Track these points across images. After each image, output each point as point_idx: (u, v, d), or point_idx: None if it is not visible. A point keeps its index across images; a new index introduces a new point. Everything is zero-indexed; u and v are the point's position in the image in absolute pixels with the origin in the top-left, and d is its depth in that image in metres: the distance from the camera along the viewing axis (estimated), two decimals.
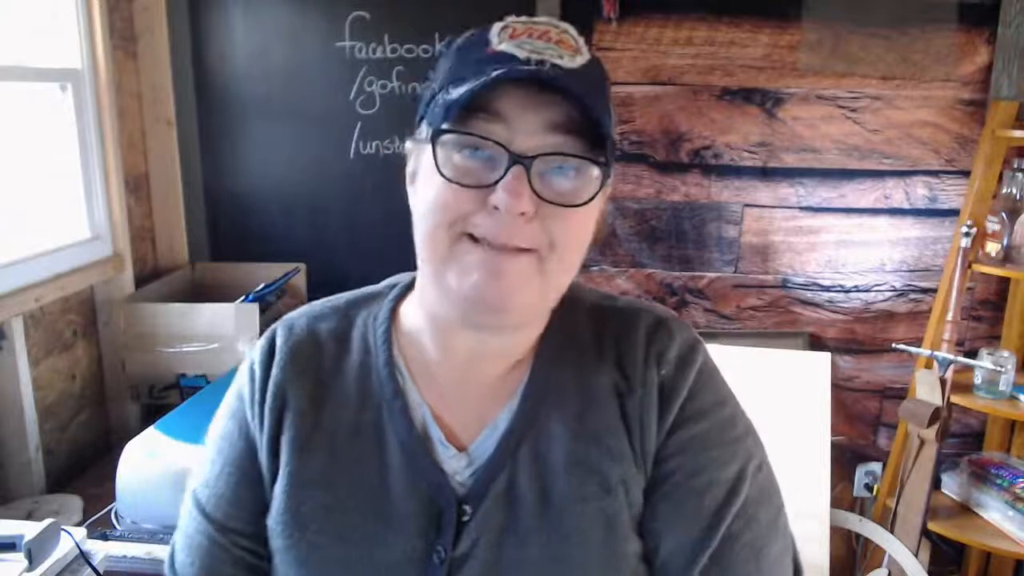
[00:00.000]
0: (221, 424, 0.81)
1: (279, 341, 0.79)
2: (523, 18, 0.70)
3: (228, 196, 2.36)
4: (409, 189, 0.74)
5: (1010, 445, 2.34)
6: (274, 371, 0.77)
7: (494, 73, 0.63)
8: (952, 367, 2.07)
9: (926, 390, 2.09)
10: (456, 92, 0.65)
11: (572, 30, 0.70)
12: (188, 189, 2.28)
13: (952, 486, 2.18)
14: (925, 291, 2.34)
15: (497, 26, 0.69)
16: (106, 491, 1.45)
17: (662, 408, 0.74)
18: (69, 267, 1.79)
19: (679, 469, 0.73)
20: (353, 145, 2.31)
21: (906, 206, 2.31)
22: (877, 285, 2.36)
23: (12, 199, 1.73)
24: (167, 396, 1.89)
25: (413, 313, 0.79)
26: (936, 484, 2.16)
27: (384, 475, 0.73)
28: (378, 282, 0.89)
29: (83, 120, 1.89)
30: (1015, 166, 2.08)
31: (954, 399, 2.08)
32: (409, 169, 0.74)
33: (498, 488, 0.72)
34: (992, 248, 2.10)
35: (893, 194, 2.30)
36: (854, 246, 2.34)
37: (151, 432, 1.44)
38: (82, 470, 1.76)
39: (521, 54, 0.65)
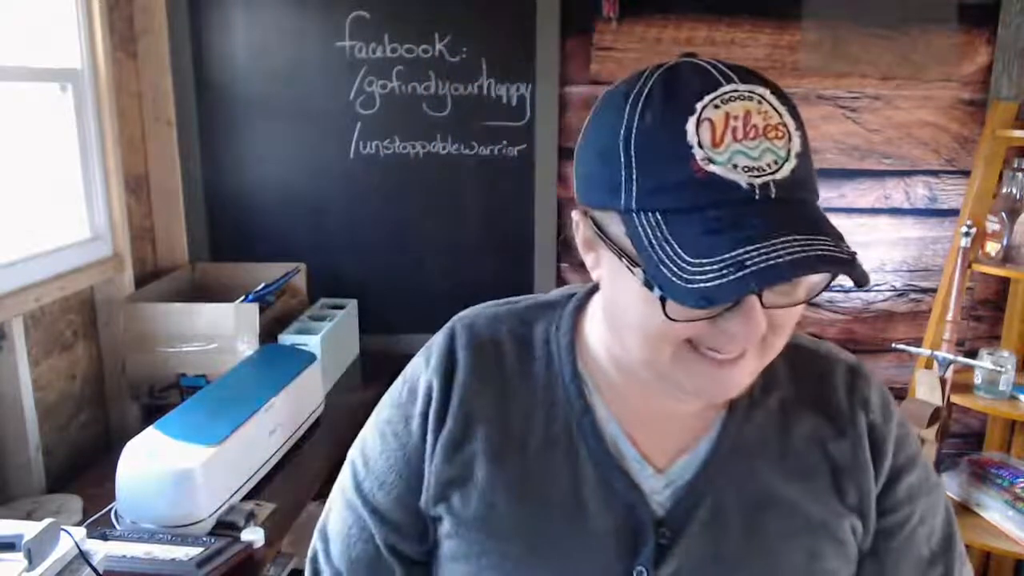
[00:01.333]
0: (387, 412, 0.79)
1: (460, 342, 0.77)
2: (707, 95, 0.59)
3: (228, 196, 2.35)
4: (585, 257, 0.70)
5: (1010, 445, 2.35)
6: (458, 375, 0.75)
7: (747, 273, 0.55)
8: (952, 367, 2.07)
9: (926, 390, 2.09)
10: (698, 270, 0.56)
11: (770, 97, 0.61)
12: (188, 189, 2.28)
13: (952, 486, 2.18)
14: (925, 291, 2.34)
15: (691, 123, 0.58)
16: (106, 491, 1.45)
17: (875, 453, 0.75)
18: (69, 267, 1.79)
19: (908, 520, 0.76)
20: (353, 145, 2.31)
21: (906, 206, 2.31)
22: (877, 285, 2.36)
23: (12, 199, 1.73)
24: (167, 396, 1.89)
25: (598, 338, 0.75)
26: None
27: (579, 489, 0.72)
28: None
29: (83, 120, 1.89)
30: (1015, 166, 2.08)
31: (954, 399, 2.08)
32: (582, 240, 0.69)
33: (702, 515, 0.71)
34: (992, 248, 2.10)
35: (893, 194, 2.30)
36: (854, 246, 2.31)
37: (151, 432, 1.44)
38: (82, 470, 1.75)
39: (742, 180, 0.57)
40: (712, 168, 0.58)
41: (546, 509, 0.72)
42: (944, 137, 2.25)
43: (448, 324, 0.80)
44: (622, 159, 0.61)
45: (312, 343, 1.96)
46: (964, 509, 2.13)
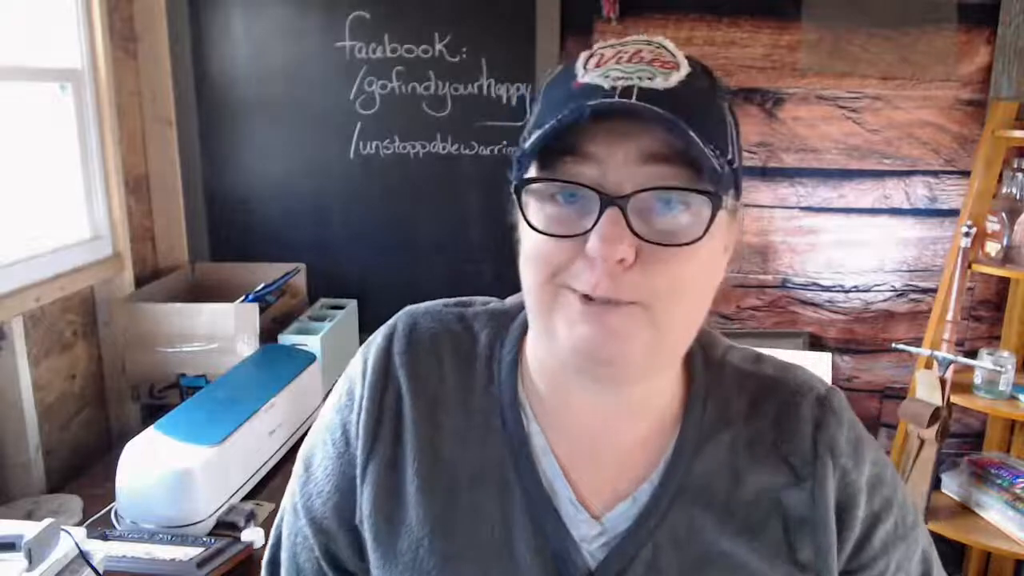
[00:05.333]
0: (329, 415, 0.75)
1: (397, 347, 0.72)
2: (612, 41, 0.63)
3: (228, 196, 2.36)
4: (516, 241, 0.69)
5: (1010, 445, 2.35)
6: (391, 392, 0.71)
7: (567, 110, 0.56)
8: (952, 367, 2.07)
9: (926, 390, 2.09)
10: (534, 136, 0.59)
11: (669, 44, 0.62)
12: (188, 189, 2.28)
13: (952, 486, 2.18)
14: (925, 291, 2.34)
15: (584, 55, 0.62)
16: (106, 491, 1.45)
17: (844, 506, 0.68)
18: (69, 267, 1.79)
19: (884, 573, 0.70)
20: (353, 145, 2.31)
21: (906, 206, 2.31)
22: (877, 285, 2.36)
23: (12, 199, 1.73)
24: (167, 396, 1.89)
25: (531, 344, 0.70)
26: (936, 484, 2.16)
27: (508, 530, 0.67)
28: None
29: (83, 120, 1.89)
30: (1015, 166, 2.08)
31: (954, 399, 2.08)
32: (512, 220, 0.67)
33: (637, 571, 0.65)
34: (992, 248, 2.10)
35: (893, 194, 2.30)
36: (854, 246, 2.34)
37: (151, 432, 1.44)
38: (82, 470, 1.75)
39: (607, 83, 0.58)
40: (586, 79, 0.60)
41: (473, 550, 0.67)
42: (944, 137, 2.25)
43: (390, 322, 0.75)
44: (532, 110, 0.65)
45: (312, 343, 1.96)
46: (964, 509, 2.13)
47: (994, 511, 2.06)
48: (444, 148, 2.30)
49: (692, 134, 0.56)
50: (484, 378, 0.71)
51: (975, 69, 2.20)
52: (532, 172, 0.60)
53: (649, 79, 0.58)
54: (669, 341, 0.62)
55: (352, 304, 2.25)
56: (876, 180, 2.29)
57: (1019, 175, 2.07)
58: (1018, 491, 2.02)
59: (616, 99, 0.57)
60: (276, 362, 1.81)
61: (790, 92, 2.25)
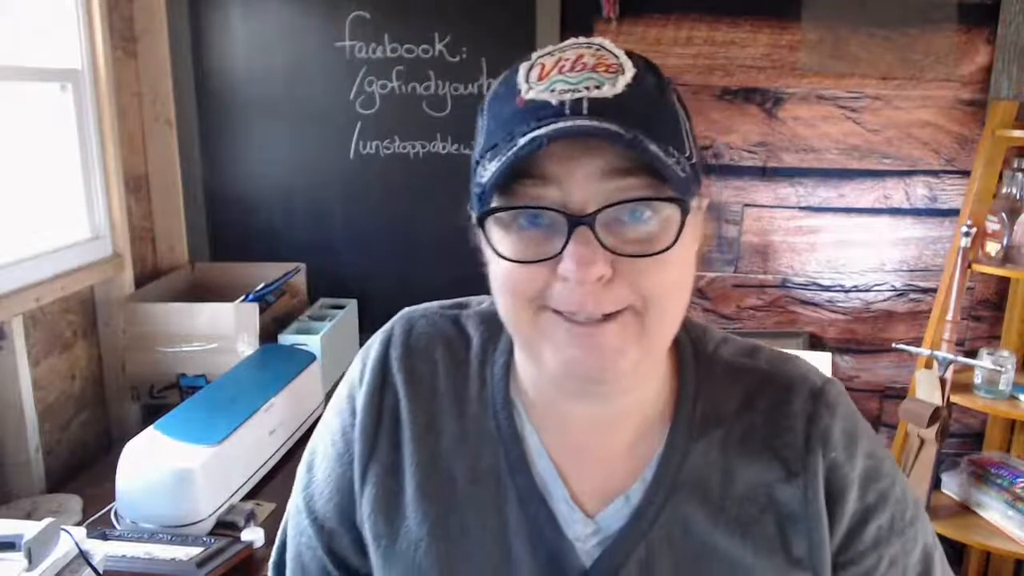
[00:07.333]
0: (330, 418, 0.76)
1: (395, 352, 0.73)
2: (549, 48, 0.61)
3: (228, 196, 2.36)
4: (483, 260, 0.68)
5: (1010, 445, 2.35)
6: (388, 396, 0.72)
7: (522, 140, 0.55)
8: (952, 367, 2.07)
9: (926, 390, 2.09)
10: (491, 168, 0.57)
11: (608, 44, 0.60)
12: (188, 189, 2.28)
13: (952, 486, 2.18)
14: (925, 291, 2.34)
15: (524, 66, 0.60)
16: (106, 491, 1.45)
17: (834, 498, 0.67)
18: (69, 267, 1.79)
19: (875, 568, 0.68)
20: (353, 145, 2.31)
21: (906, 206, 2.31)
22: (877, 285, 2.36)
23: (12, 199, 1.73)
24: (167, 396, 1.89)
25: (523, 369, 0.71)
26: (936, 484, 2.16)
27: (504, 530, 0.67)
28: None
29: (83, 120, 1.89)
30: (1015, 166, 2.08)
31: (954, 399, 2.08)
32: (475, 239, 0.66)
33: (631, 569, 0.66)
34: (992, 248, 2.10)
35: (893, 194, 2.30)
36: (854, 246, 2.34)
37: (151, 432, 1.44)
38: (82, 470, 1.75)
39: (553, 99, 0.56)
40: (530, 95, 0.58)
41: (472, 553, 0.68)
42: (944, 137, 2.25)
43: (387, 327, 0.76)
44: (478, 125, 0.63)
45: (312, 343, 1.96)
46: (964, 509, 2.13)
47: (994, 511, 2.05)
48: (444, 148, 2.30)
49: (652, 147, 0.55)
50: (478, 382, 0.72)
51: (975, 69, 2.20)
52: (494, 201, 0.58)
53: (596, 87, 0.56)
54: (657, 344, 0.63)
55: (352, 304, 2.25)
56: (876, 180, 2.29)
57: (1019, 175, 2.07)
58: (1018, 491, 2.02)
59: (568, 116, 0.55)
60: (276, 362, 1.81)
61: (790, 92, 2.25)
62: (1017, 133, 2.06)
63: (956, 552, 2.31)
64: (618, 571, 0.66)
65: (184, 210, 2.28)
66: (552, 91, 0.57)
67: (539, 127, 0.55)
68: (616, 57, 0.59)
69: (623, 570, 0.66)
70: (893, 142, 2.27)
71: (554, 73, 0.58)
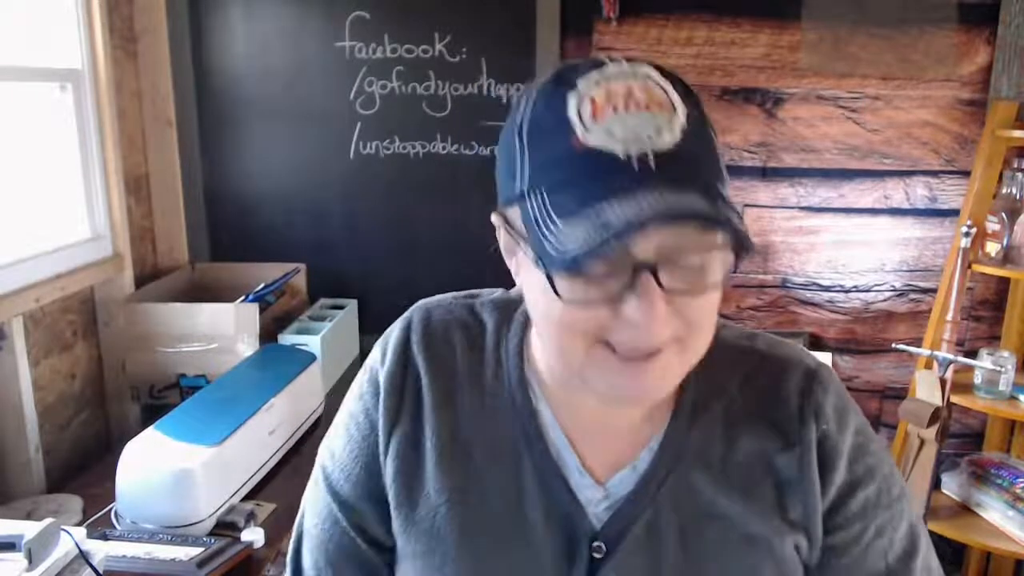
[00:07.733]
0: (350, 405, 0.80)
1: (415, 336, 0.77)
2: (595, 76, 0.60)
3: (228, 196, 2.36)
4: (508, 262, 0.71)
5: (1010, 445, 2.35)
6: (411, 375, 0.76)
7: (613, 218, 0.55)
8: (952, 367, 2.07)
9: (926, 390, 2.09)
10: (571, 234, 0.56)
11: (651, 72, 0.61)
12: (188, 189, 2.28)
13: (952, 486, 2.18)
14: (925, 291, 2.34)
15: (572, 99, 0.59)
16: (106, 491, 1.45)
17: (825, 467, 0.72)
18: (69, 267, 1.79)
19: (861, 536, 0.72)
20: (353, 145, 2.31)
21: (906, 206, 2.31)
22: (877, 285, 2.36)
23: (12, 199, 1.73)
24: (167, 396, 1.89)
25: (545, 365, 0.75)
26: (936, 484, 2.16)
27: (521, 500, 0.72)
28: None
29: (83, 120, 1.89)
30: (1015, 166, 2.08)
31: (954, 399, 2.08)
32: (503, 245, 0.70)
33: (638, 531, 0.70)
34: (992, 248, 2.10)
35: (893, 194, 2.30)
36: (854, 246, 2.34)
37: (151, 432, 1.44)
38: (82, 470, 1.75)
39: (618, 149, 0.57)
40: (590, 140, 0.58)
41: (490, 518, 0.72)
42: (944, 137, 2.25)
43: (406, 315, 0.80)
44: (517, 147, 0.63)
45: (312, 343, 1.96)
46: (964, 509, 2.13)
47: (994, 511, 2.05)
48: (444, 148, 2.30)
49: (734, 220, 0.57)
50: (493, 362, 0.77)
51: (975, 69, 2.20)
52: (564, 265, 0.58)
53: (657, 133, 0.57)
54: (695, 360, 0.66)
55: (352, 304, 2.25)
56: (876, 180, 2.29)
57: (1019, 175, 2.07)
58: (1018, 491, 2.02)
59: (637, 174, 0.56)
60: (276, 362, 1.81)
61: (790, 92, 2.25)
62: (1017, 133, 2.06)
63: (956, 552, 2.31)
64: (626, 532, 0.70)
65: (184, 210, 2.28)
66: (612, 136, 0.57)
67: (618, 194, 0.56)
68: (664, 90, 0.60)
69: (631, 531, 0.70)
70: (893, 142, 2.27)
71: (608, 113, 0.58)
